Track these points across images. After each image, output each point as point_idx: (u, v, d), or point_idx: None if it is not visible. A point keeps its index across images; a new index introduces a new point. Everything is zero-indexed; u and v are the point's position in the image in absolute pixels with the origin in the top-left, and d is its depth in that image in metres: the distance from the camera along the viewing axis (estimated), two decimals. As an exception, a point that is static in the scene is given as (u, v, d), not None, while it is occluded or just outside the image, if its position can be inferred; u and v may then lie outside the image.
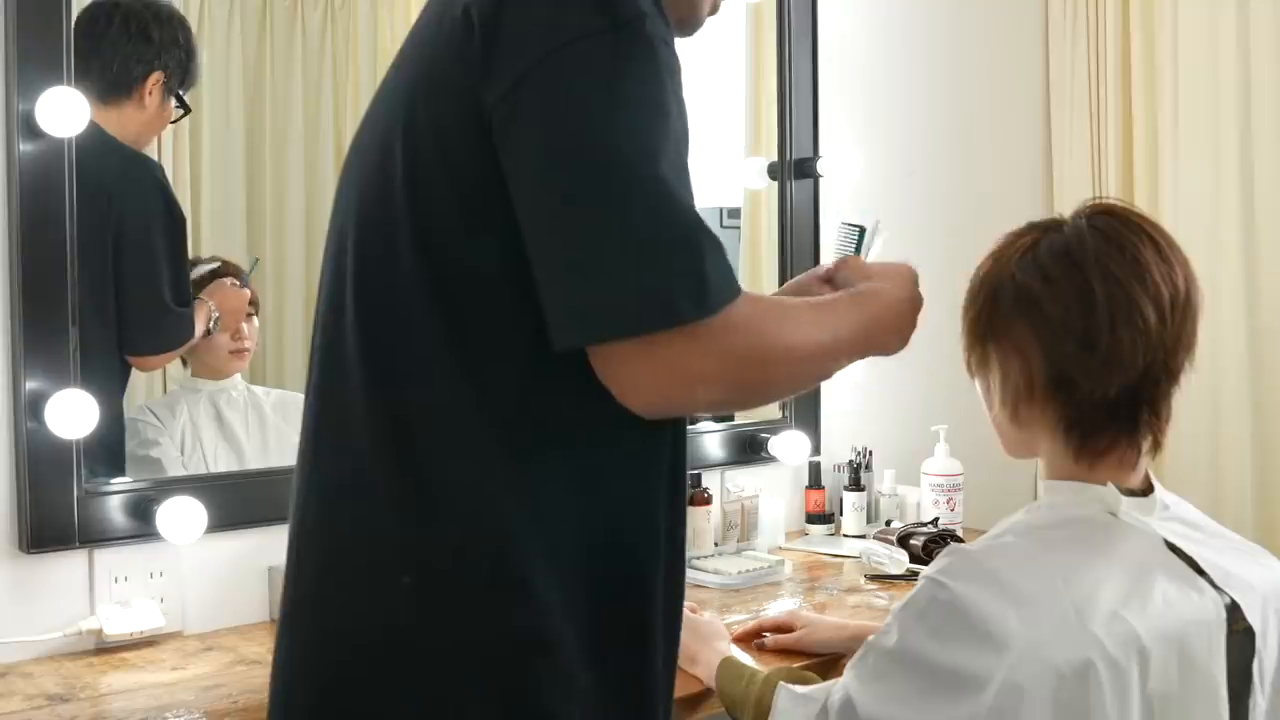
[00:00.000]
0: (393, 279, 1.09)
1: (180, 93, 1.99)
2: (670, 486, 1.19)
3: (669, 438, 1.17)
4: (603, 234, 1.01)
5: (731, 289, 1.04)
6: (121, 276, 1.92)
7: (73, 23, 1.76)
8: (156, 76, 1.96)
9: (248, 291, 2.11)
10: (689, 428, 2.17)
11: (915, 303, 1.26)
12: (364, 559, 1.12)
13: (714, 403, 1.11)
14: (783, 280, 2.55)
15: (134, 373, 2.00)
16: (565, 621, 1.09)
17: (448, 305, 1.08)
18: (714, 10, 1.29)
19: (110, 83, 1.92)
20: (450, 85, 1.06)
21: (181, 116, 2.01)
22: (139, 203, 1.98)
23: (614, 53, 1.02)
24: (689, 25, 1.27)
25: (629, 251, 1.01)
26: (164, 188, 2.00)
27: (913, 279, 1.28)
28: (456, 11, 1.07)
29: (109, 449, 1.90)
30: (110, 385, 1.92)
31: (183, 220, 2.01)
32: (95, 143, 1.82)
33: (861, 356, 1.22)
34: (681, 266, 1.01)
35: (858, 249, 1.48)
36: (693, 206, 1.04)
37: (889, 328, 1.23)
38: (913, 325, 1.26)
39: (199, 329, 2.04)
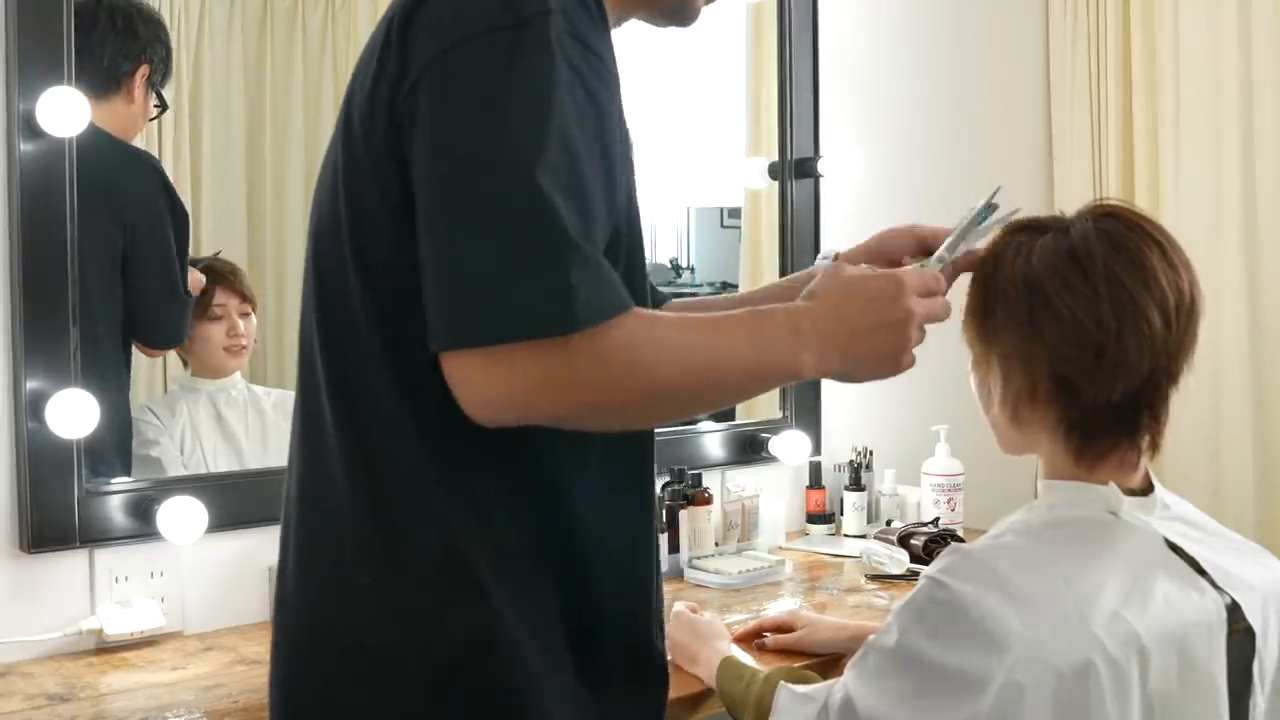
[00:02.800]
0: (342, 287, 1.11)
1: (159, 89, 2.00)
2: (632, 486, 1.19)
3: (626, 437, 1.15)
4: (469, 240, 0.98)
5: (604, 307, 0.98)
6: (137, 272, 1.94)
7: (73, 21, 1.76)
8: (144, 70, 1.97)
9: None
10: (690, 427, 2.15)
11: (875, 324, 1.12)
12: (331, 558, 1.13)
13: (560, 418, 1.03)
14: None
15: (134, 372, 2.01)
16: (521, 621, 1.09)
17: (382, 311, 1.08)
18: None
19: (101, 78, 1.93)
20: (374, 94, 1.06)
21: (160, 114, 2.02)
22: (146, 197, 2.00)
23: (509, 50, 0.99)
24: (685, 15, 1.26)
25: (491, 259, 0.97)
26: (165, 181, 2.02)
27: (875, 295, 1.12)
28: (384, 22, 1.08)
29: (117, 448, 1.91)
30: (118, 384, 1.93)
31: (185, 212, 2.03)
32: (94, 139, 1.82)
33: (775, 383, 1.13)
34: (542, 279, 0.96)
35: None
36: (576, 216, 0.98)
37: (804, 351, 1.09)
38: (882, 348, 1.13)
39: None
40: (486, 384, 0.99)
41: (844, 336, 1.11)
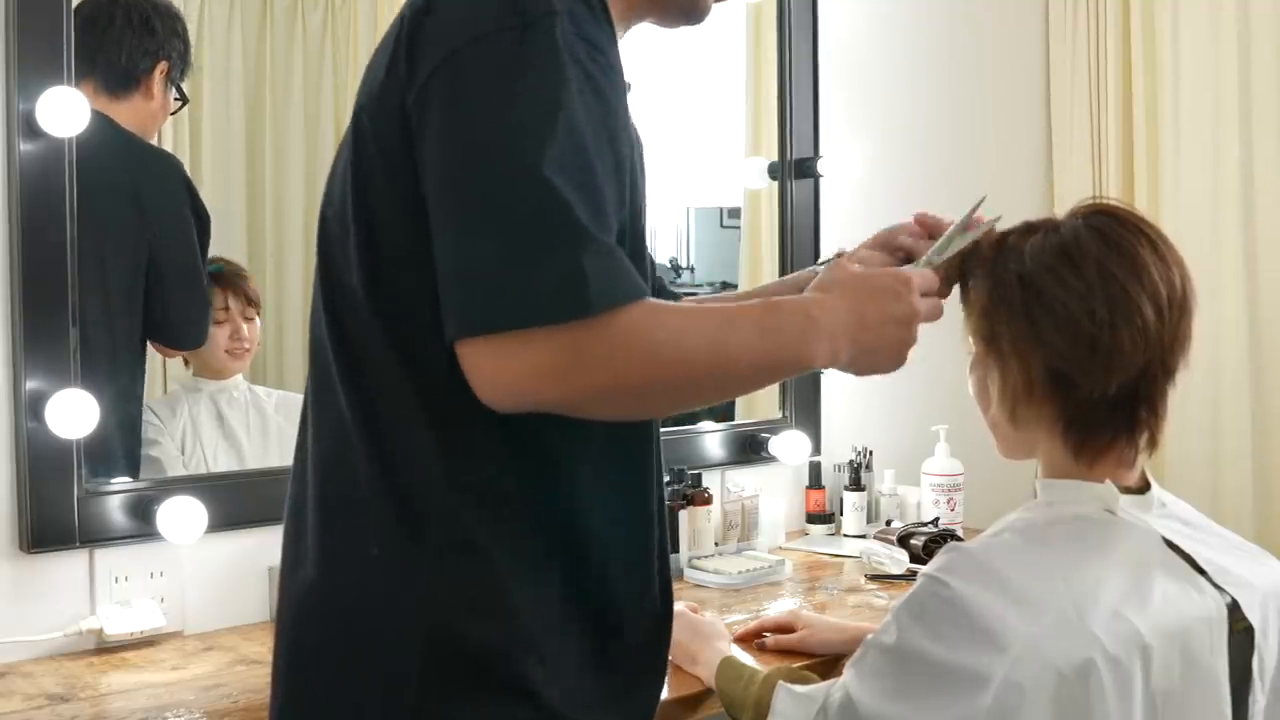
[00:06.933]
0: (347, 277, 1.13)
1: (179, 83, 2.01)
2: (631, 467, 1.20)
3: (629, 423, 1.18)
4: (480, 230, 1.01)
5: (615, 294, 1.00)
6: (164, 274, 1.95)
7: (72, 21, 1.76)
8: (162, 67, 1.98)
9: None
10: (690, 426, 2.15)
11: (884, 318, 1.15)
12: (346, 527, 1.15)
13: (570, 405, 1.04)
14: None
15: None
16: (521, 588, 1.11)
17: (388, 304, 1.11)
18: None
19: (118, 76, 1.93)
20: (384, 94, 1.10)
21: (180, 107, 2.03)
22: (170, 200, 2.00)
23: (517, 50, 1.03)
24: (695, 13, 1.28)
25: (503, 249, 0.99)
26: (189, 183, 2.02)
27: (884, 290, 1.16)
28: (394, 25, 1.11)
29: (125, 450, 1.91)
30: (133, 386, 1.94)
31: (206, 215, 2.03)
32: (114, 138, 1.83)
33: (786, 373, 1.14)
34: (554, 267, 0.98)
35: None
36: (586, 207, 1.00)
37: (817, 340, 1.10)
38: (889, 341, 1.16)
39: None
40: (497, 370, 1.01)
41: (855, 327, 1.14)
